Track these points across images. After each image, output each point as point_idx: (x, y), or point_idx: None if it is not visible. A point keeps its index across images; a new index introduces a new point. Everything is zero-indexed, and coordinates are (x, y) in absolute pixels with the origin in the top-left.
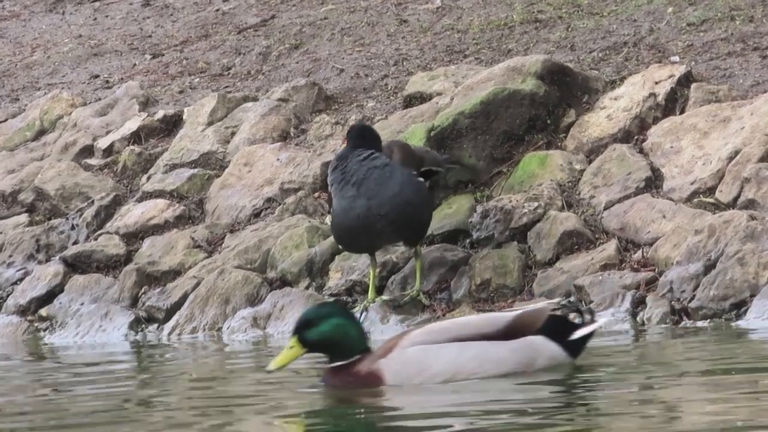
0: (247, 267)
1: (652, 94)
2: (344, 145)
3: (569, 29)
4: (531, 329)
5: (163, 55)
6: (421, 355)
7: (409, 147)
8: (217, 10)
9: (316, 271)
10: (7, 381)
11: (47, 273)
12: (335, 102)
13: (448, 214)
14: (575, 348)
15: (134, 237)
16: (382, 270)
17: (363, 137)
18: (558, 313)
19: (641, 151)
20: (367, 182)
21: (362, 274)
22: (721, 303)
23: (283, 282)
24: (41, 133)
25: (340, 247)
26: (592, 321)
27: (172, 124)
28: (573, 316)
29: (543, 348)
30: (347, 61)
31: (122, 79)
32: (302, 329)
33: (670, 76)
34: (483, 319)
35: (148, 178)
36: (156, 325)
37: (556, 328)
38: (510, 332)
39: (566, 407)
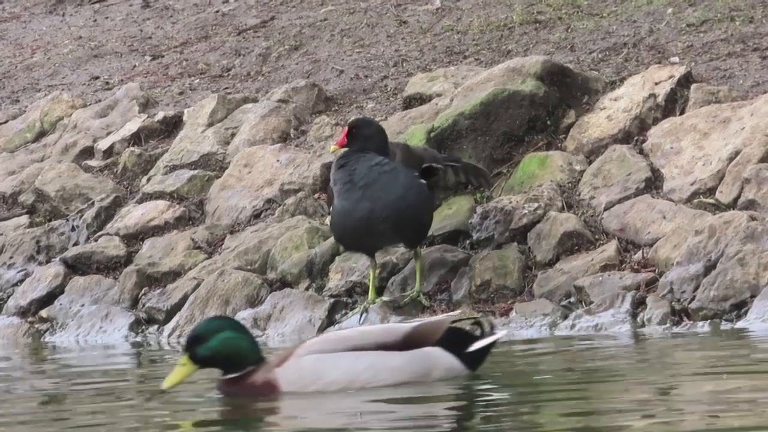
0: (247, 268)
1: (652, 95)
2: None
3: (569, 30)
4: (429, 340)
5: (163, 56)
6: (316, 364)
7: (409, 147)
8: (217, 12)
9: (316, 272)
10: (5, 385)
11: (47, 274)
12: (335, 103)
13: (448, 215)
14: (473, 360)
15: (134, 238)
16: (382, 271)
17: (371, 140)
18: (457, 325)
19: (641, 151)
20: (374, 187)
21: (362, 275)
22: (722, 304)
23: (283, 283)
24: (41, 134)
25: (341, 247)
26: (492, 333)
27: (172, 126)
28: (473, 329)
29: (439, 359)
30: (347, 62)
31: (122, 80)
32: (192, 346)
33: (670, 77)
34: (382, 329)
35: (148, 180)
36: (156, 327)
37: (455, 339)
38: (408, 343)
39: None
